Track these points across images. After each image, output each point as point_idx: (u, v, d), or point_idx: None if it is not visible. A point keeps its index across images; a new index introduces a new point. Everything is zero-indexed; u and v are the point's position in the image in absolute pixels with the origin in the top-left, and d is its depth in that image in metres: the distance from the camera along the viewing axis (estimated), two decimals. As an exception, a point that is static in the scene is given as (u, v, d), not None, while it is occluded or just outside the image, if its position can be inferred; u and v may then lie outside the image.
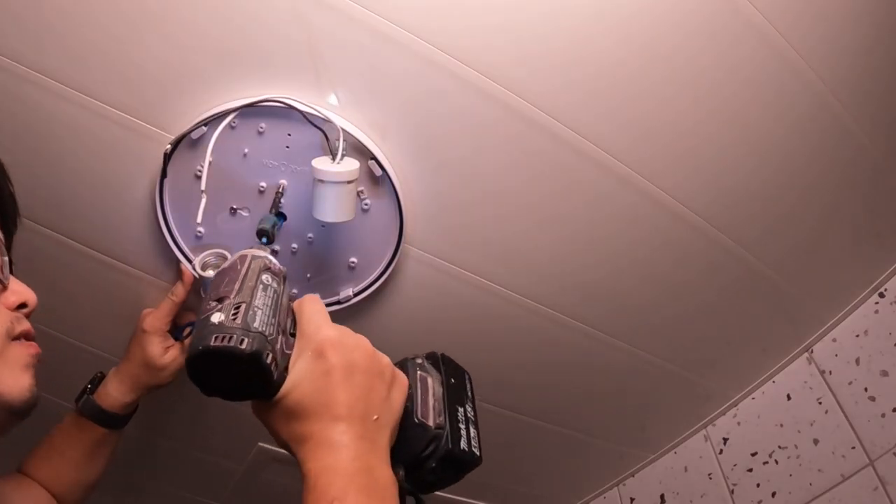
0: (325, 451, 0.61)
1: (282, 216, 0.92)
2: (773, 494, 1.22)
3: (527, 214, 1.02)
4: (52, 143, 0.92)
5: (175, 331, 1.04)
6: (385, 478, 0.61)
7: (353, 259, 1.00)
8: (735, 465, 1.30)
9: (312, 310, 0.70)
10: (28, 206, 0.97)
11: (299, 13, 0.82)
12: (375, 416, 0.64)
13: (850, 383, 1.18)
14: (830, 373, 1.22)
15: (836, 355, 1.23)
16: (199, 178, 0.91)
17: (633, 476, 1.49)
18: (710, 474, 1.34)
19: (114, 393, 1.00)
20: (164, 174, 0.91)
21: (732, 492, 1.28)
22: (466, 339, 1.15)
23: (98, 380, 1.03)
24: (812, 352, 1.27)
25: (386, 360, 0.71)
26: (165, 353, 1.01)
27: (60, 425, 1.01)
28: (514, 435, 1.35)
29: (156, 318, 1.01)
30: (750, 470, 1.27)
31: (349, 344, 0.67)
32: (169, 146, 0.89)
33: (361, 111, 0.90)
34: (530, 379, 1.25)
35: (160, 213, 0.94)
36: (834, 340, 1.24)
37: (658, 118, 0.94)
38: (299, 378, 0.65)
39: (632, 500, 1.47)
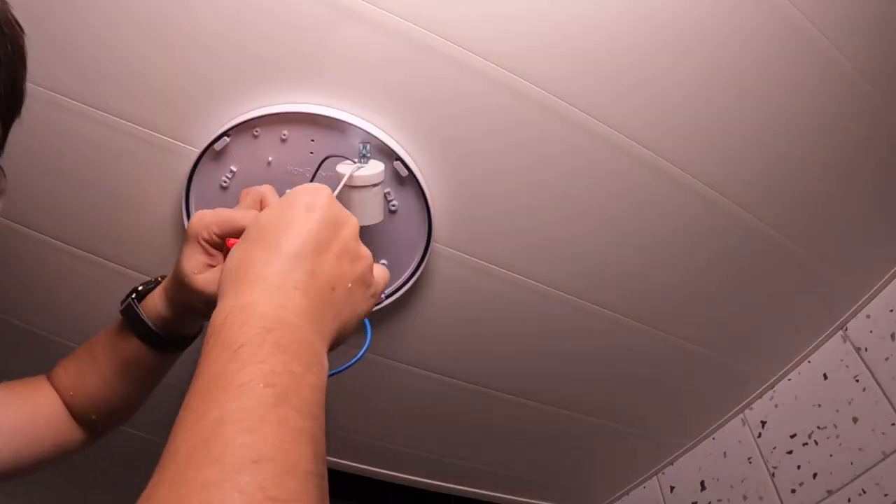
0: (255, 287, 0.55)
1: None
2: (815, 475, 1.21)
3: (557, 207, 1.02)
4: (77, 161, 0.93)
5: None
6: (318, 353, 0.55)
7: (384, 261, 1.00)
8: (774, 448, 1.29)
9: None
10: (57, 226, 0.99)
11: (322, 18, 0.83)
12: (332, 286, 0.60)
13: (886, 359, 1.17)
14: (866, 350, 1.20)
15: (871, 332, 1.21)
16: (224, 188, 0.92)
17: (672, 464, 1.48)
18: (749, 458, 1.33)
19: (155, 299, 0.82)
20: (189, 187, 0.92)
21: (773, 475, 1.27)
22: (500, 333, 1.16)
23: (154, 283, 0.85)
24: (846, 329, 1.25)
25: (366, 253, 0.67)
26: (203, 271, 0.76)
27: (106, 328, 0.86)
28: (553, 428, 1.35)
29: (202, 220, 0.77)
30: (790, 452, 1.26)
31: (341, 207, 0.66)
32: (193, 159, 0.90)
33: (385, 113, 0.90)
34: (566, 371, 1.25)
35: (187, 225, 0.95)
36: (868, 317, 1.23)
37: (687, 108, 0.95)
38: (271, 207, 0.64)
39: (672, 488, 1.46)
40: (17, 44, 0.62)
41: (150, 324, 0.81)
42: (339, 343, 0.62)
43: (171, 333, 0.83)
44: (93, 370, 0.85)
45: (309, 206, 0.63)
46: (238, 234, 0.72)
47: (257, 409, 0.45)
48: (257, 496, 0.40)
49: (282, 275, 0.56)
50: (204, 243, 0.76)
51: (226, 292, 0.56)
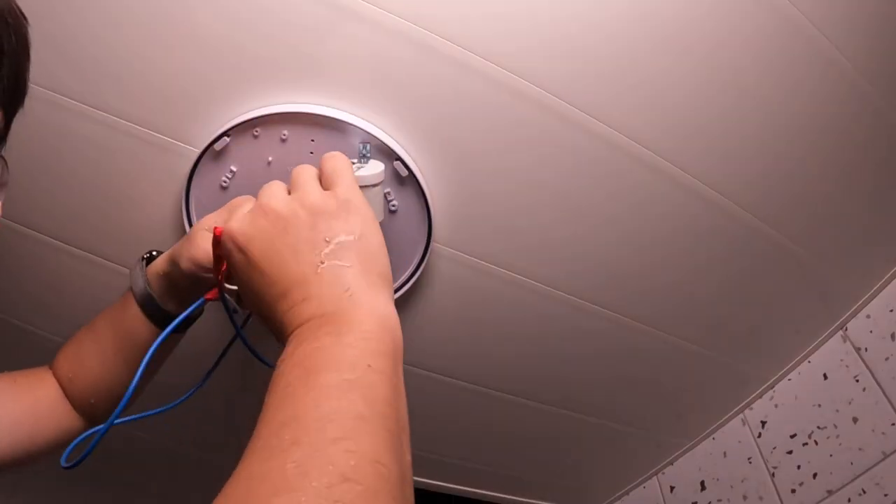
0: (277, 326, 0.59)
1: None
2: (815, 475, 1.21)
3: (557, 207, 1.02)
4: (77, 161, 0.93)
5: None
6: (345, 314, 0.56)
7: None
8: (774, 448, 1.29)
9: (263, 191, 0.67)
10: (57, 226, 0.99)
11: (322, 18, 0.83)
12: (318, 263, 0.60)
13: (886, 359, 1.17)
14: (866, 350, 1.20)
15: (871, 332, 1.21)
16: (224, 188, 0.92)
17: (672, 464, 1.48)
18: (749, 458, 1.33)
19: (160, 259, 0.83)
20: (189, 187, 0.92)
21: (773, 475, 1.27)
22: (500, 333, 1.16)
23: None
24: (846, 329, 1.25)
25: (316, 202, 0.64)
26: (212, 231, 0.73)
27: (110, 306, 0.87)
28: (553, 428, 1.35)
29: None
30: (790, 452, 1.26)
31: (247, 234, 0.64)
32: (193, 159, 0.90)
33: (385, 113, 0.90)
34: (566, 371, 1.25)
35: (187, 226, 0.95)
36: (868, 317, 1.23)
37: (687, 108, 0.95)
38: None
39: (672, 488, 1.46)
40: (21, 34, 0.62)
41: (145, 281, 0.82)
42: (385, 270, 0.63)
43: (170, 300, 0.83)
44: (92, 349, 0.85)
45: (255, 254, 0.63)
46: None
47: (287, 387, 0.49)
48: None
49: (288, 307, 0.59)
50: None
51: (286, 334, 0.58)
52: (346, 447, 0.43)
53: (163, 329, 0.79)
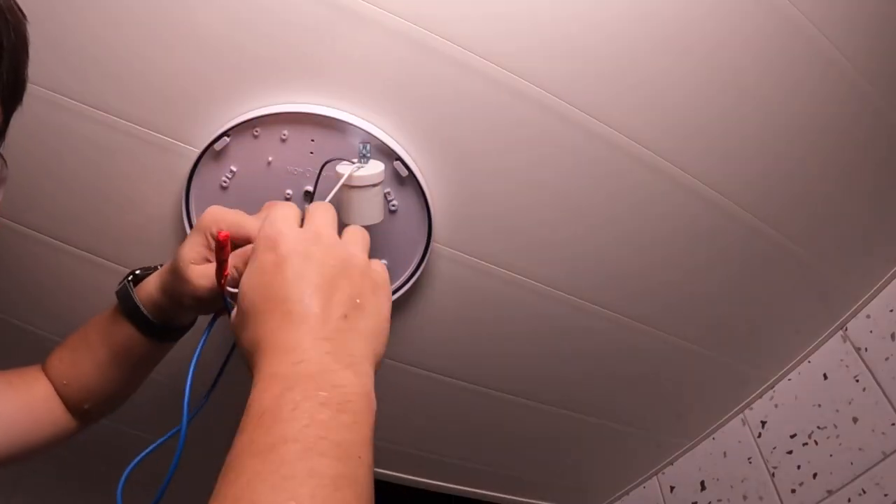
0: (272, 356, 0.55)
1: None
2: (815, 475, 1.21)
3: (557, 207, 1.02)
4: (77, 161, 0.93)
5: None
6: (349, 387, 0.54)
7: (384, 261, 0.99)
8: (774, 448, 1.29)
9: (277, 212, 0.66)
10: (57, 226, 0.99)
11: (321, 18, 0.83)
12: (343, 314, 0.59)
13: (886, 359, 1.17)
14: (866, 350, 1.20)
15: (871, 332, 1.21)
16: (224, 188, 0.92)
17: (672, 464, 1.48)
18: (749, 458, 1.33)
19: (149, 283, 0.81)
20: (189, 187, 0.92)
21: (773, 475, 1.27)
22: (500, 333, 1.16)
23: (152, 269, 0.84)
24: (846, 329, 1.25)
25: (354, 254, 0.66)
26: (200, 262, 0.76)
27: (101, 313, 0.86)
28: (553, 428, 1.35)
29: (215, 215, 0.76)
30: (790, 452, 1.26)
31: (305, 236, 0.64)
32: (193, 159, 0.89)
33: (385, 113, 0.90)
34: (566, 371, 1.25)
35: (188, 226, 0.95)
36: (868, 317, 1.23)
37: (687, 108, 0.95)
38: (248, 275, 0.62)
39: (672, 488, 1.46)
40: (20, 31, 0.62)
41: (141, 307, 0.80)
42: (380, 357, 0.62)
43: (164, 321, 0.82)
44: (87, 357, 0.84)
45: (282, 260, 0.62)
46: (243, 241, 0.73)
47: (282, 467, 0.46)
48: None
49: (297, 333, 0.57)
50: (210, 238, 0.76)
51: (255, 368, 0.56)
52: None
53: (159, 340, 0.84)
